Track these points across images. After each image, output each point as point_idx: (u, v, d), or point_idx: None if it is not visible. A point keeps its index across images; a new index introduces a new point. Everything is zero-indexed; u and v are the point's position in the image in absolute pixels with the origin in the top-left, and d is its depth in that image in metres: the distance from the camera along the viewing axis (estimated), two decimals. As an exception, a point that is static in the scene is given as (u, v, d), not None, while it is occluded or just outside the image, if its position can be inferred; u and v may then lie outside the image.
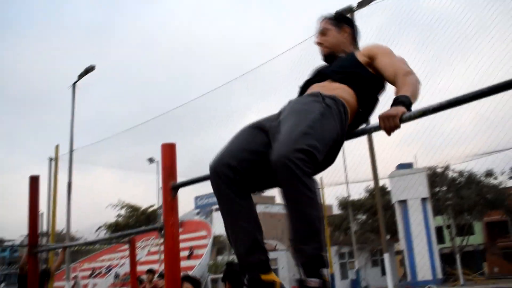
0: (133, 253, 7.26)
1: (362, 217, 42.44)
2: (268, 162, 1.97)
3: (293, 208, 1.92)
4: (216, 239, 45.25)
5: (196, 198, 56.65)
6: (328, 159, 2.16)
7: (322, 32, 2.71)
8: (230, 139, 2.30)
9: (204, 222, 43.43)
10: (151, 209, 52.06)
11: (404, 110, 2.01)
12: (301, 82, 2.66)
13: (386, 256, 13.01)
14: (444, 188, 35.45)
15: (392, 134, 2.03)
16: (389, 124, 2.00)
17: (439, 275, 32.58)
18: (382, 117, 2.02)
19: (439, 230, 36.58)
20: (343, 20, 2.76)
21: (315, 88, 2.43)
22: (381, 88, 2.53)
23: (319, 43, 2.72)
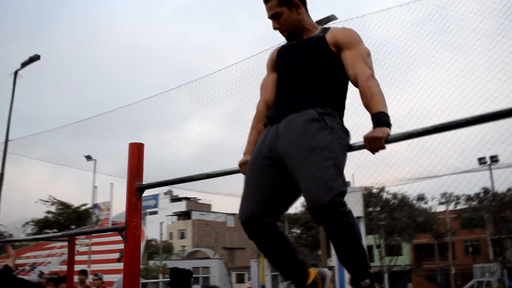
0: (72, 252, 7.02)
1: (297, 231, 42.91)
2: (283, 199, 2.28)
3: (344, 243, 2.13)
4: (148, 244, 44.53)
5: (131, 200, 55.51)
6: None
7: (274, 17, 2.43)
8: (249, 184, 2.31)
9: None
10: (83, 208, 50.58)
11: (389, 132, 2.08)
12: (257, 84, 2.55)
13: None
14: (378, 208, 36.49)
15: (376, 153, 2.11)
16: (375, 146, 2.08)
17: (367, 293, 33.25)
18: (368, 139, 2.09)
19: (369, 249, 37.54)
20: None
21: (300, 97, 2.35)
22: (346, 86, 2.46)
23: (276, 29, 2.47)
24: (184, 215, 67.45)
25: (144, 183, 2.88)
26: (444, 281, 38.79)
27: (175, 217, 68.59)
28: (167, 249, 54.43)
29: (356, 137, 2.35)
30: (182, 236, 62.22)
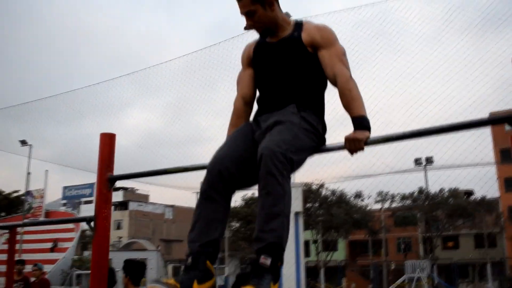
0: (13, 242, 6.78)
1: (236, 224, 43.08)
2: (252, 167, 2.15)
3: (264, 200, 2.03)
4: (83, 234, 43.44)
5: (65, 188, 53.96)
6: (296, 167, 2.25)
7: (248, 15, 2.39)
8: (226, 142, 2.33)
9: (72, 214, 41.41)
10: (15, 194, 48.67)
11: (369, 135, 2.18)
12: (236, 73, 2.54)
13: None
14: (317, 204, 37.25)
15: (355, 155, 2.18)
16: (355, 147, 2.16)
17: (303, 287, 33.98)
18: (348, 140, 2.17)
19: (306, 244, 38.28)
20: None
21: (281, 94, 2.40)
22: (325, 84, 2.46)
23: (250, 27, 2.44)
24: (121, 206, 66.25)
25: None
26: (377, 277, 40.09)
27: (112, 207, 67.25)
28: (103, 239, 53.20)
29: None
30: (119, 227, 61.10)
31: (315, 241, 37.48)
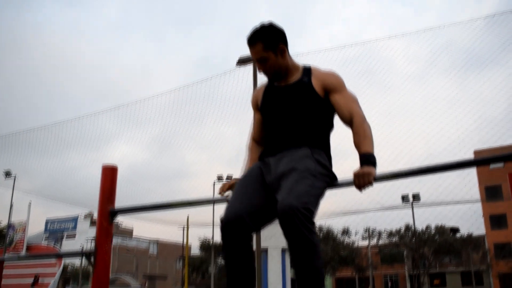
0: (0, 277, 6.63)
1: (222, 261, 42.61)
2: (267, 212, 2.28)
3: (301, 259, 2.10)
4: (65, 269, 42.63)
5: (48, 221, 53.04)
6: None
7: (260, 61, 2.46)
8: (239, 191, 2.34)
9: (54, 248, 40.62)
10: (-3, 227, 47.73)
11: (375, 172, 2.22)
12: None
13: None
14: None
15: (363, 191, 2.19)
16: (364, 182, 2.20)
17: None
18: (358, 175, 2.20)
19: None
20: (276, 38, 2.44)
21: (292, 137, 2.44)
22: (332, 125, 2.52)
23: (261, 71, 2.50)
24: (104, 240, 65.09)
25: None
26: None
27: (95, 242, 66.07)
28: (85, 275, 52.20)
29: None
30: (102, 262, 59.90)
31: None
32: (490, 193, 46.48)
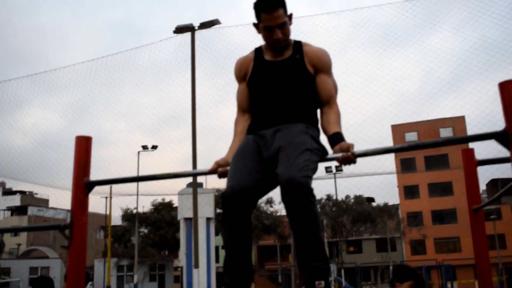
0: None
1: (145, 230, 42.22)
2: (265, 186, 2.34)
3: (303, 229, 2.16)
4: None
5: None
6: None
7: (281, 26, 2.41)
8: (237, 165, 2.35)
9: None
10: None
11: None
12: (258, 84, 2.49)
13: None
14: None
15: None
16: (351, 157, 2.29)
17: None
18: (342, 159, 2.30)
19: (216, 249, 38.30)
20: (285, 5, 2.44)
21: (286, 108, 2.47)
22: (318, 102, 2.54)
23: (278, 39, 2.43)
24: (18, 210, 62.55)
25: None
26: (285, 281, 40.94)
27: (8, 212, 63.24)
28: (-1, 247, 50.06)
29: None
30: (16, 234, 57.53)
31: (223, 247, 37.59)
32: (405, 165, 49.01)
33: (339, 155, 2.28)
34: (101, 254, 44.71)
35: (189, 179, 34.97)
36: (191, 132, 13.33)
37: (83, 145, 2.76)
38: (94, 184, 2.71)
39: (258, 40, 2.62)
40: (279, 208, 39.67)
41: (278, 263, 43.64)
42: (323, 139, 2.48)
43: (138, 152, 31.85)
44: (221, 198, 2.30)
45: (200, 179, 34.23)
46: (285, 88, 2.46)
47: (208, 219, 34.31)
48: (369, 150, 2.34)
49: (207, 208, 33.54)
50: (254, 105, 2.56)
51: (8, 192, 66.01)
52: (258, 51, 2.58)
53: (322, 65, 2.49)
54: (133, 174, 27.36)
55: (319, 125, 2.50)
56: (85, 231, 2.65)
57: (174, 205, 38.47)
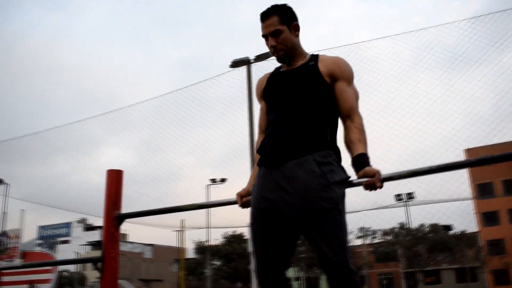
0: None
1: (217, 263, 42.46)
2: (289, 250, 2.29)
3: None
4: (60, 275, 42.35)
5: (41, 227, 52.69)
6: None
7: (273, 34, 2.36)
8: (257, 239, 2.29)
9: (49, 254, 40.33)
10: (-11, 235, 47.40)
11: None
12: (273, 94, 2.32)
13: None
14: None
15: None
16: (376, 183, 2.17)
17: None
18: (366, 185, 2.19)
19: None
20: (291, 15, 2.40)
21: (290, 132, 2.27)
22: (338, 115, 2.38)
23: (273, 47, 2.38)
24: (98, 245, 64.81)
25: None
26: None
27: (89, 247, 65.76)
28: (81, 280, 52.01)
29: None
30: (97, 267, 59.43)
31: (297, 279, 37.05)
32: (482, 190, 46.72)
33: (364, 180, 2.19)
34: (176, 287, 45.28)
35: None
36: (250, 165, 13.35)
37: (114, 179, 2.83)
38: (124, 217, 2.76)
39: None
40: (351, 238, 38.74)
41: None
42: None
43: (207, 185, 32.34)
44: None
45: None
46: (295, 98, 2.31)
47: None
48: (395, 173, 2.23)
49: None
50: (268, 123, 2.41)
51: (89, 228, 68.72)
52: (278, 67, 2.51)
53: (342, 72, 2.33)
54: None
55: (343, 140, 2.32)
56: (116, 264, 2.69)
57: (245, 237, 38.50)
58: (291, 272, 36.22)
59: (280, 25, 2.34)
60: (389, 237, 39.29)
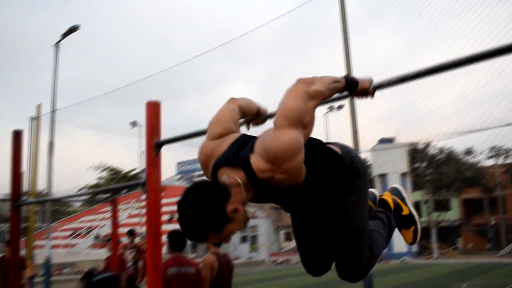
0: (115, 213, 7.31)
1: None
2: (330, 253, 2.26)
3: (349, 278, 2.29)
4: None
5: (179, 163, 56.72)
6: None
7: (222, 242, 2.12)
8: (300, 244, 2.30)
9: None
10: (133, 172, 52.11)
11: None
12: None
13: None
14: (424, 164, 36.02)
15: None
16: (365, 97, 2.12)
17: (414, 248, 33.34)
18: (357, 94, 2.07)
19: (417, 204, 37.27)
20: (214, 221, 1.76)
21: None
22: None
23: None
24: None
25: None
26: (495, 236, 38.23)
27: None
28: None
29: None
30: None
31: (425, 201, 36.36)
32: None
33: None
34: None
35: (381, 135, 34.51)
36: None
37: (152, 110, 3.07)
38: (162, 143, 3.02)
39: None
40: (481, 159, 36.89)
41: (485, 216, 40.84)
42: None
43: (324, 114, 32.37)
44: None
45: (391, 134, 33.51)
46: None
47: (402, 174, 33.62)
48: (385, 80, 2.13)
49: (400, 163, 32.85)
50: None
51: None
52: None
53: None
54: (322, 135, 27.91)
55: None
56: (158, 185, 2.98)
57: (368, 163, 38.31)
58: (418, 195, 35.51)
59: (218, 235, 1.79)
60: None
